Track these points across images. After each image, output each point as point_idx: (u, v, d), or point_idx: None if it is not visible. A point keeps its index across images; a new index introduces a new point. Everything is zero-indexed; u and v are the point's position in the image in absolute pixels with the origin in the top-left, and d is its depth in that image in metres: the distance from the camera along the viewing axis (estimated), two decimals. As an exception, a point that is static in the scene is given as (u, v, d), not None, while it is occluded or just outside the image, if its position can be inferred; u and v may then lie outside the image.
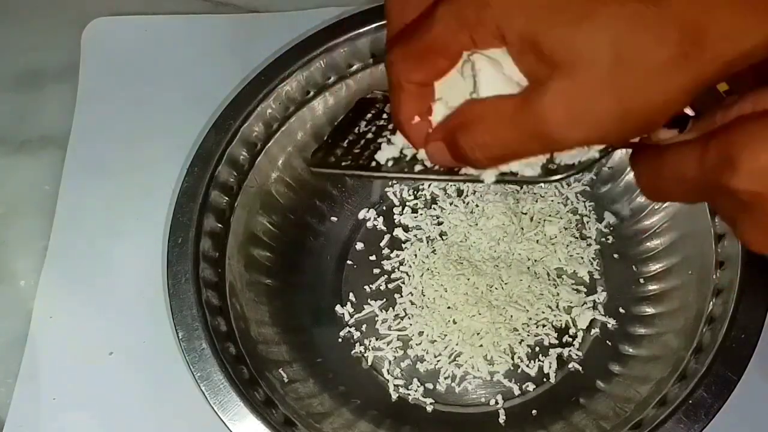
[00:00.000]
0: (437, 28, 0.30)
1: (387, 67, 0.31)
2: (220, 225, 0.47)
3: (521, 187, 0.52)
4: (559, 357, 0.48)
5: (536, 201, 0.51)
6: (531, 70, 0.29)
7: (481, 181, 0.32)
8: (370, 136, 0.36)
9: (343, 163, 0.35)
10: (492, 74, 0.29)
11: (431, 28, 0.30)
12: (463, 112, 0.30)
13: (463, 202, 0.52)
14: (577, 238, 0.51)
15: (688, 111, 0.31)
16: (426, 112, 0.32)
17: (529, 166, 0.31)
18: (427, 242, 0.51)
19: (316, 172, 0.36)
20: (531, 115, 0.28)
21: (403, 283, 0.50)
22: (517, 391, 0.47)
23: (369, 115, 0.37)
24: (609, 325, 0.48)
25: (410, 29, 0.31)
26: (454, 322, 0.48)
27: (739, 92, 0.29)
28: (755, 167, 0.27)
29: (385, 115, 0.37)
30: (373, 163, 0.34)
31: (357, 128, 0.36)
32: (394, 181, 0.53)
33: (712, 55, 0.27)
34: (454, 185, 0.53)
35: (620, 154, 0.51)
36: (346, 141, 0.36)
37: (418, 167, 0.33)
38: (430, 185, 0.53)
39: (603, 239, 0.51)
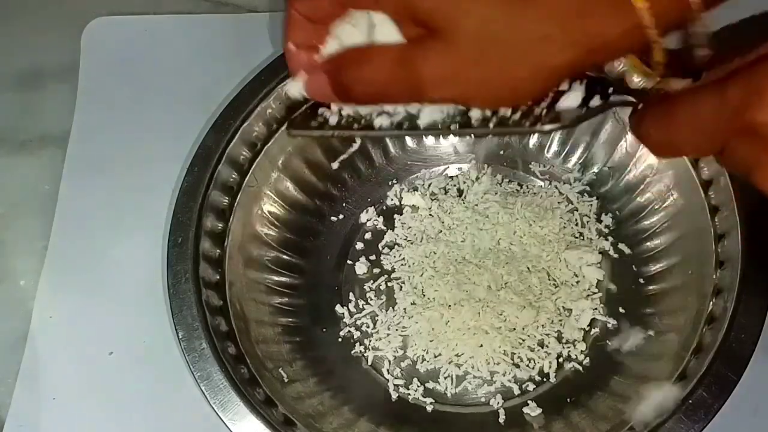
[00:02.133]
0: None
1: None
2: (220, 225, 0.47)
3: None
4: (559, 357, 0.48)
5: (537, 202, 0.51)
6: (407, 33, 0.32)
7: (479, 135, 0.34)
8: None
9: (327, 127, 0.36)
10: (389, 26, 0.32)
11: None
12: (354, 50, 0.33)
13: (464, 202, 0.52)
14: (577, 238, 0.51)
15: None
16: (312, 45, 0.35)
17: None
18: (427, 242, 0.51)
19: (297, 134, 0.37)
20: (407, 65, 0.31)
21: (403, 282, 0.50)
22: (517, 391, 0.47)
23: None
24: (609, 325, 0.48)
25: None
26: (455, 322, 0.48)
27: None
28: None
29: None
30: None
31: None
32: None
33: (578, 39, 0.29)
34: (455, 185, 0.53)
35: (620, 155, 0.51)
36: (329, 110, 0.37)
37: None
38: (430, 185, 0.53)
39: (603, 239, 0.51)
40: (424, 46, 0.31)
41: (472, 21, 0.29)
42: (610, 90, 0.33)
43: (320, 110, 0.37)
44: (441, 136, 0.53)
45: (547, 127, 0.32)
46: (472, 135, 0.37)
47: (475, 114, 0.33)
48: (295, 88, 0.36)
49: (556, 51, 0.29)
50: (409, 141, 0.54)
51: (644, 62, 0.32)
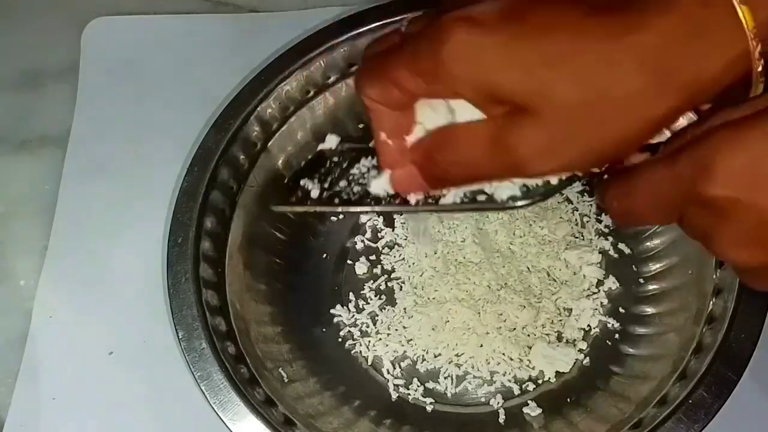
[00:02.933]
0: (396, 65, 0.31)
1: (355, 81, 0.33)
2: (220, 225, 0.47)
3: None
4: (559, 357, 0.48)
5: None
6: (489, 112, 0.30)
7: (451, 211, 0.33)
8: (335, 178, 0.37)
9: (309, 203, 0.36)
10: (469, 107, 0.30)
11: (394, 59, 0.31)
12: (441, 133, 0.31)
13: (463, 202, 0.52)
14: (577, 237, 0.51)
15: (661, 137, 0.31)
16: (400, 134, 0.33)
17: (507, 188, 0.32)
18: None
19: (279, 210, 0.36)
20: (502, 144, 0.29)
21: (403, 282, 0.50)
22: (517, 391, 0.47)
23: (323, 169, 0.38)
24: (609, 325, 0.48)
25: (382, 50, 0.32)
26: (455, 322, 0.48)
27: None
28: (730, 171, 0.27)
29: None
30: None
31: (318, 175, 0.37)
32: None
33: (678, 84, 0.28)
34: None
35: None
36: (316, 179, 0.37)
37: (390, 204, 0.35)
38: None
39: (603, 239, 0.51)
40: (515, 122, 0.29)
41: (559, 92, 0.28)
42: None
43: (302, 182, 0.36)
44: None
45: (520, 203, 0.32)
46: (448, 212, 0.37)
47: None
48: (377, 185, 0.35)
49: (654, 101, 0.28)
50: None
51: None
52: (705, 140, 0.28)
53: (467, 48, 0.28)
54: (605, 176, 0.32)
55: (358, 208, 0.35)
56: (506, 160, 0.29)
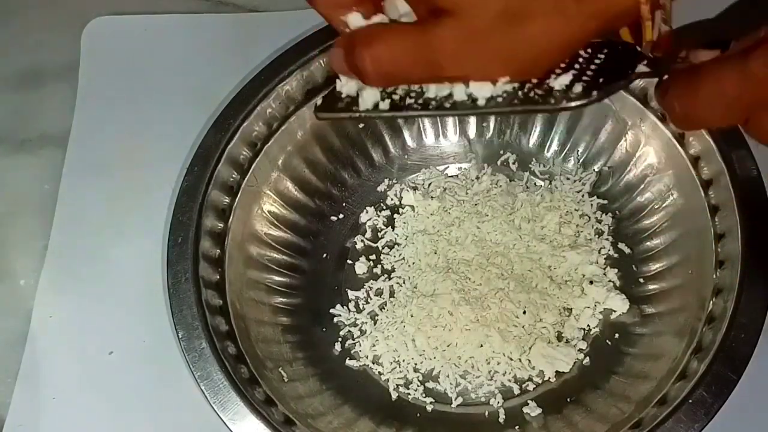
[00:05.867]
0: None
1: None
2: (220, 224, 0.47)
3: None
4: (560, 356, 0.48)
5: (537, 202, 0.51)
6: (423, 14, 0.31)
7: (494, 113, 0.35)
8: None
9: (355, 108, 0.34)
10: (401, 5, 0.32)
11: None
12: (370, 27, 0.33)
13: (464, 202, 0.52)
14: (577, 238, 0.51)
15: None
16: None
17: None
18: (428, 241, 0.51)
19: (324, 117, 0.35)
20: (424, 40, 0.31)
21: (403, 282, 0.50)
22: (517, 391, 0.47)
23: None
24: (609, 325, 0.48)
25: None
26: (455, 322, 0.48)
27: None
28: None
29: None
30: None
31: None
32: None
33: (589, 11, 0.29)
34: (455, 184, 0.53)
35: (620, 155, 0.51)
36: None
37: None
38: (430, 184, 0.53)
39: (603, 239, 0.51)
40: (438, 22, 0.30)
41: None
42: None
43: (344, 90, 0.35)
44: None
45: (574, 103, 0.31)
46: (497, 114, 0.36)
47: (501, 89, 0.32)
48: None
49: (571, 20, 0.29)
50: (409, 140, 0.54)
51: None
52: None
53: None
54: (665, 76, 0.31)
55: (404, 113, 0.34)
56: (425, 56, 0.31)
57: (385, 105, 0.33)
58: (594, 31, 0.30)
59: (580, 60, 0.32)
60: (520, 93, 0.32)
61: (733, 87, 0.28)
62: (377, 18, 0.33)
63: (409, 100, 0.33)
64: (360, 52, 0.32)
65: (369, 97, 0.34)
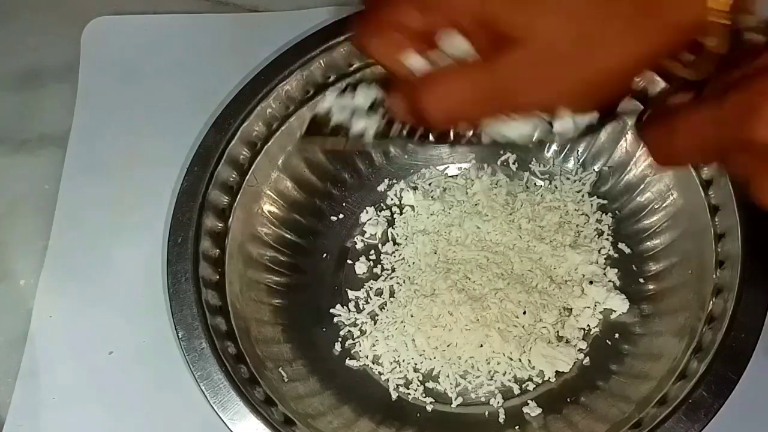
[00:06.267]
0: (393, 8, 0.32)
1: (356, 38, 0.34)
2: (220, 224, 0.47)
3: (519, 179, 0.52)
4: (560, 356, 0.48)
5: (537, 202, 0.51)
6: (484, 47, 0.30)
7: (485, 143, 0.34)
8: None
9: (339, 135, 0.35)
10: (458, 38, 0.31)
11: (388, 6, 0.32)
12: (431, 72, 0.32)
13: (463, 202, 0.52)
14: (577, 238, 0.51)
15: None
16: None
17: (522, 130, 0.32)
18: (428, 241, 0.51)
19: (307, 143, 0.36)
20: (492, 75, 0.30)
21: (403, 282, 0.50)
22: (517, 391, 0.47)
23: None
24: (609, 325, 0.48)
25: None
26: (455, 322, 0.48)
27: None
28: None
29: None
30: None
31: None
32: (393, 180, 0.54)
33: (661, 24, 0.29)
34: (455, 184, 0.53)
35: (620, 155, 0.51)
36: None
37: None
38: (430, 184, 0.53)
39: (603, 239, 0.51)
40: (507, 52, 0.30)
41: (548, 26, 0.29)
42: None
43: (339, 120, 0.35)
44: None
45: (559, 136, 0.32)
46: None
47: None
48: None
49: (645, 39, 0.29)
50: (409, 141, 0.54)
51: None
52: (753, 81, 0.27)
53: None
54: (646, 115, 0.32)
55: (391, 142, 0.34)
56: (493, 91, 0.30)
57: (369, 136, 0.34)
58: (665, 47, 0.30)
59: None
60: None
61: (709, 129, 0.28)
62: (434, 55, 0.32)
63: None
64: (425, 97, 0.31)
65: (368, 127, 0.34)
